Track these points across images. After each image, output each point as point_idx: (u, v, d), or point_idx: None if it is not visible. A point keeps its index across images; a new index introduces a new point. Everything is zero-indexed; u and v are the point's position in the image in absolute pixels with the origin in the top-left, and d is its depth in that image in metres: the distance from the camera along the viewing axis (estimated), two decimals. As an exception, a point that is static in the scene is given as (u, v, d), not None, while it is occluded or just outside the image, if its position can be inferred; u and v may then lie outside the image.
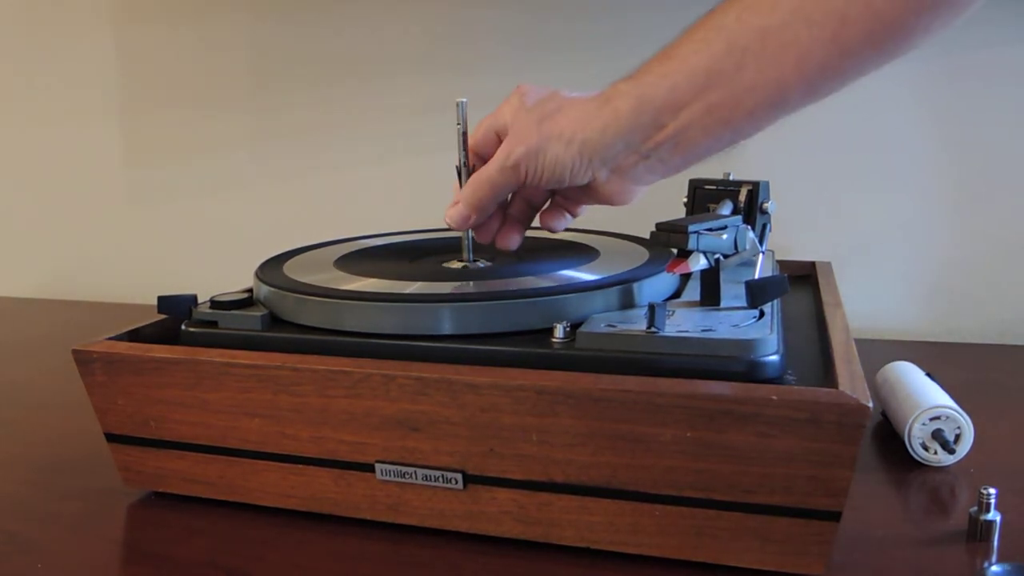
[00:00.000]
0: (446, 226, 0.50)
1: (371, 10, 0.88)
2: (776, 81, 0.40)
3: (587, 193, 0.48)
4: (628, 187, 0.47)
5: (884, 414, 0.55)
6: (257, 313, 0.47)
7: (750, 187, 0.58)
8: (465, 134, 0.50)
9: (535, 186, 0.47)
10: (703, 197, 0.60)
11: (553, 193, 0.52)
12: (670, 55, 0.43)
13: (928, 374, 0.55)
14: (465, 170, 0.50)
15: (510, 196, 0.52)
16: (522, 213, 0.53)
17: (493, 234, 0.51)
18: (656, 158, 0.45)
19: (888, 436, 0.54)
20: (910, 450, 0.49)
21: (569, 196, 0.51)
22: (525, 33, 0.84)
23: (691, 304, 0.46)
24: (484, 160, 0.48)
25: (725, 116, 0.42)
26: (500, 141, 0.48)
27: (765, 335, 0.39)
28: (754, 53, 0.40)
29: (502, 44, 0.85)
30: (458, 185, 0.50)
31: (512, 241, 0.52)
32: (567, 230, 0.66)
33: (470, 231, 0.52)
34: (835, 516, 0.36)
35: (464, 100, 0.50)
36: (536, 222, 0.53)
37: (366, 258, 0.58)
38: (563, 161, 0.45)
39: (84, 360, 0.46)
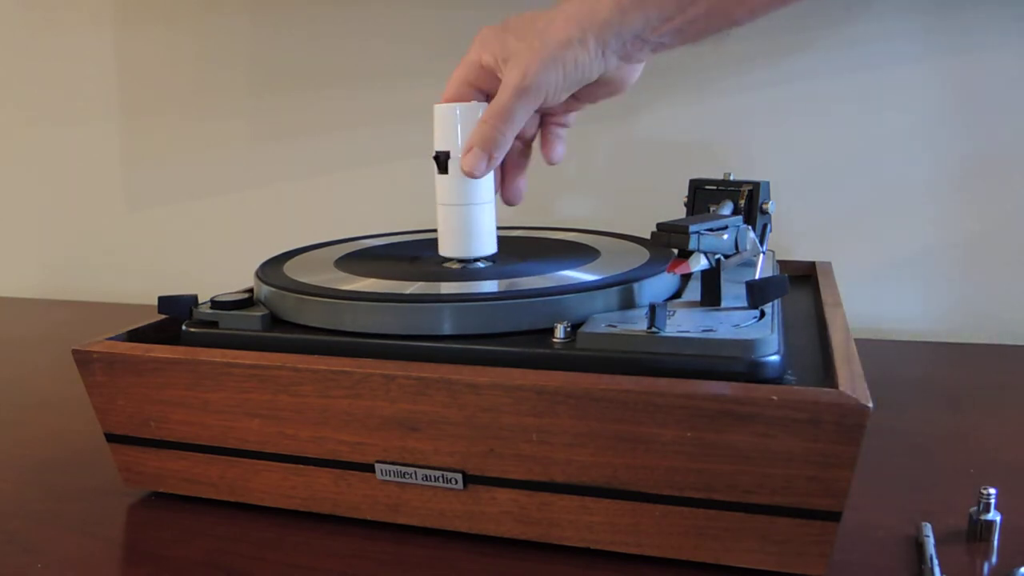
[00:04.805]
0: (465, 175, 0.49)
1: (371, 13, 0.88)
2: None
3: (594, 89, 0.49)
4: (633, 69, 0.49)
5: None
6: (257, 313, 0.47)
7: (750, 187, 0.58)
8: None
9: (553, 102, 0.47)
10: (703, 197, 0.60)
11: (542, 118, 0.52)
12: None
13: None
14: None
15: None
16: (518, 154, 0.53)
17: (498, 187, 0.52)
18: (658, 43, 0.46)
19: (888, 435, 0.54)
20: None
21: (574, 100, 0.51)
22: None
23: (692, 304, 0.46)
24: None
25: (729, 10, 0.44)
26: (482, 92, 0.49)
27: (766, 335, 0.39)
28: None
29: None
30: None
31: (518, 191, 0.53)
32: (567, 230, 0.66)
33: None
34: (835, 516, 0.36)
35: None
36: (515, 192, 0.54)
37: (366, 258, 0.58)
38: (582, 60, 0.45)
39: (84, 360, 0.46)
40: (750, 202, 0.57)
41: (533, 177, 0.87)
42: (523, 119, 0.47)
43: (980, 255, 0.76)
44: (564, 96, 0.47)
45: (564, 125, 0.54)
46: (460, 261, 0.53)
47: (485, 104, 0.50)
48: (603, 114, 0.83)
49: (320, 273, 0.52)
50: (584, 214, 0.85)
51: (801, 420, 0.35)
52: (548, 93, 0.46)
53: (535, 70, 0.45)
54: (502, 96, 0.46)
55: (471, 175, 0.48)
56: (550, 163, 0.53)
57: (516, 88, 0.45)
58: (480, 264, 0.54)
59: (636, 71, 0.50)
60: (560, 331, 0.42)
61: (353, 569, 0.41)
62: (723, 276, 0.46)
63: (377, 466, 0.42)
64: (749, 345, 0.39)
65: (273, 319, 0.48)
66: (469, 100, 0.50)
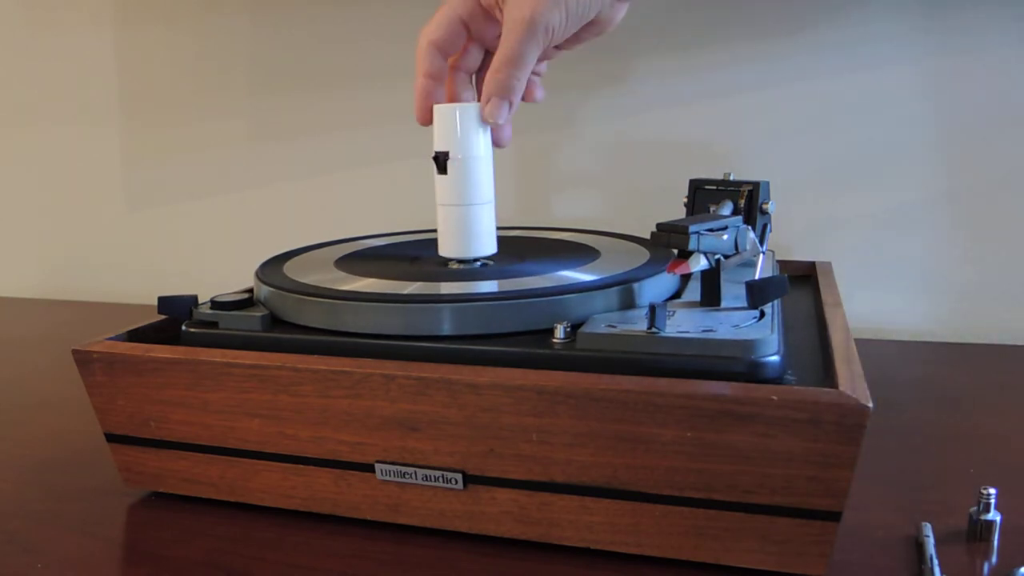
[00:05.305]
0: (489, 122, 0.50)
1: (371, 13, 0.88)
2: None
3: (582, 29, 0.50)
4: (619, 9, 0.50)
5: None
6: (257, 313, 0.47)
7: (750, 187, 0.58)
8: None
9: (557, 41, 0.48)
10: (703, 197, 0.60)
11: None
12: None
13: None
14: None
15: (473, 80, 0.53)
16: (460, 84, 0.54)
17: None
18: None
19: (888, 435, 0.54)
20: None
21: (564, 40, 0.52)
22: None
23: (691, 304, 0.46)
24: (446, 58, 0.50)
25: None
26: (468, 32, 0.49)
27: (766, 335, 0.39)
28: None
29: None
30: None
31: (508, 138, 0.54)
32: (567, 230, 0.66)
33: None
34: (835, 516, 0.36)
35: None
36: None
37: (366, 258, 0.58)
38: None
39: (84, 360, 0.46)
40: (750, 202, 0.57)
41: (533, 177, 0.87)
42: (533, 60, 0.47)
43: (980, 255, 0.76)
44: (568, 34, 0.48)
45: (538, 73, 0.54)
46: (460, 261, 0.53)
47: None
48: (604, 114, 0.83)
49: (320, 273, 0.52)
50: (584, 214, 0.85)
51: (801, 420, 0.35)
52: (553, 32, 0.46)
53: (540, 9, 0.45)
54: (509, 40, 0.46)
55: (495, 122, 0.49)
56: (530, 101, 0.53)
57: (523, 30, 0.46)
58: (480, 264, 0.54)
59: (621, 11, 0.51)
60: (560, 331, 0.42)
61: (353, 569, 0.41)
62: (723, 276, 0.46)
63: (377, 466, 0.42)
64: (749, 345, 0.39)
65: (273, 319, 0.48)
66: (457, 36, 0.50)
